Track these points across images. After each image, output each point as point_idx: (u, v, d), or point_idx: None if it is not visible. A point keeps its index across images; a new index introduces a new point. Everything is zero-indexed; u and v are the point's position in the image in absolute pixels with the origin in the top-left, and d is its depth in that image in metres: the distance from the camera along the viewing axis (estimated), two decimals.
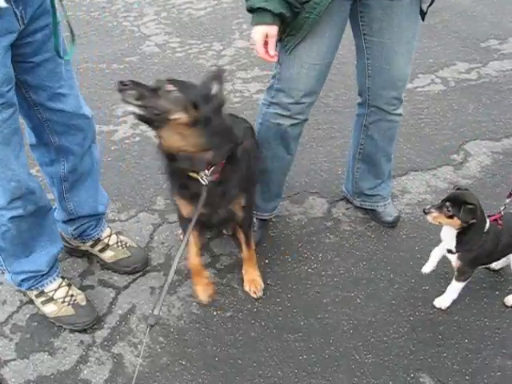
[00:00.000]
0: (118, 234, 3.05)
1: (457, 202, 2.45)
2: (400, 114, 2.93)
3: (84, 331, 2.71)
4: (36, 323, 2.76)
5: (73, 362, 2.59)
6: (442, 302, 2.77)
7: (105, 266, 3.02)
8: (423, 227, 3.14)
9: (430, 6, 2.57)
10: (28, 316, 2.79)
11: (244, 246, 2.84)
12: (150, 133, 3.99)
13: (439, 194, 3.35)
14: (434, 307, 2.76)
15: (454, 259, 2.67)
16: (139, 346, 2.65)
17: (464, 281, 2.70)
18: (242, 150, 2.41)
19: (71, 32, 2.34)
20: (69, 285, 2.80)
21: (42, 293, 2.73)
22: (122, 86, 2.10)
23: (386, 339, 2.64)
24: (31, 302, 2.81)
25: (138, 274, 2.98)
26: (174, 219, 3.29)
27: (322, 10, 2.35)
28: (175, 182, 2.48)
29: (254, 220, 3.06)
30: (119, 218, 3.34)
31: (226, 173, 2.35)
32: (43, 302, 2.74)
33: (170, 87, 2.17)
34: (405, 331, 2.67)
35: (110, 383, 2.50)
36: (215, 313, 2.79)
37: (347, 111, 4.05)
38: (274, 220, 3.27)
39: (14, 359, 2.60)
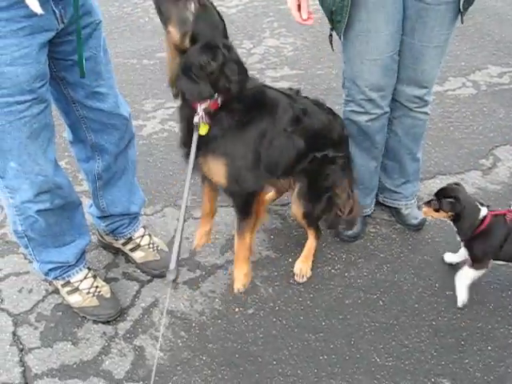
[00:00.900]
0: (151, 235, 3.07)
1: (440, 196, 2.66)
2: (425, 113, 2.91)
3: (107, 323, 2.74)
4: (61, 313, 2.80)
5: (95, 353, 2.63)
6: (459, 296, 2.77)
7: (134, 265, 3.05)
8: (449, 231, 3.10)
9: (468, 6, 2.54)
10: (53, 305, 2.84)
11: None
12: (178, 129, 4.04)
13: None
14: (458, 313, 2.73)
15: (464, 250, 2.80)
16: (161, 340, 2.67)
17: (476, 269, 2.72)
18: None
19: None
20: (94, 276, 2.84)
21: (67, 283, 2.78)
22: None
23: (408, 343, 2.62)
24: (57, 291, 2.86)
25: None
26: (199, 215, 3.31)
27: None
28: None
29: None
30: (145, 212, 3.37)
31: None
32: (68, 292, 2.78)
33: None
34: (427, 336, 2.65)
35: (131, 375, 2.53)
36: (237, 309, 2.80)
37: None
38: None
39: (38, 347, 2.65)
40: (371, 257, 3.06)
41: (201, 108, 2.26)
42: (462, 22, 2.62)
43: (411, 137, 3.00)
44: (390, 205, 3.24)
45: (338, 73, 3.72)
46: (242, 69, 2.32)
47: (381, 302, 2.81)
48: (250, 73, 4.66)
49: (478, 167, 3.65)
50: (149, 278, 2.98)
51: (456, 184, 2.75)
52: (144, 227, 3.09)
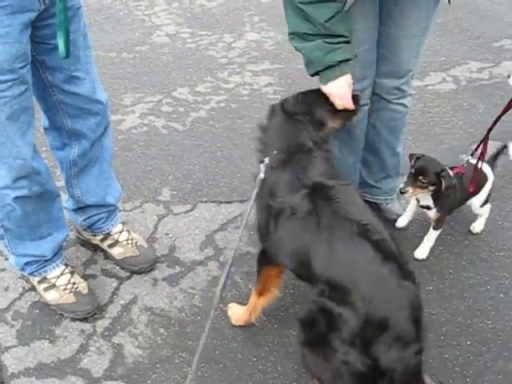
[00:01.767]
0: (130, 231, 3.03)
1: (428, 173, 2.70)
2: (404, 105, 2.91)
3: (85, 320, 2.71)
4: (38, 311, 2.76)
5: (73, 351, 2.59)
6: (421, 253, 2.97)
7: (113, 262, 3.01)
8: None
9: None
10: (30, 303, 2.80)
11: None
12: (158, 123, 4.04)
13: None
14: (438, 308, 2.74)
15: (432, 213, 2.91)
16: (140, 337, 2.65)
17: (441, 228, 2.94)
18: None
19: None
20: (71, 272, 2.80)
21: (44, 279, 2.74)
22: None
23: None
24: (33, 289, 2.81)
25: None
26: (179, 210, 3.30)
27: None
28: None
29: None
30: (124, 208, 3.33)
31: None
32: (45, 289, 2.74)
33: None
34: None
35: (110, 373, 2.50)
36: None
37: None
38: None
39: (15, 346, 2.61)
40: None
41: None
42: (450, 2, 2.57)
43: (390, 130, 2.99)
44: (370, 199, 3.24)
45: None
46: None
47: None
48: (230, 67, 4.66)
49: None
50: (128, 274, 2.95)
51: (422, 155, 2.81)
52: (123, 223, 3.06)
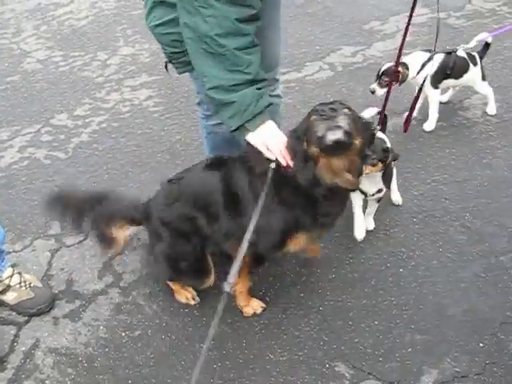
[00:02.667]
0: (21, 273, 2.88)
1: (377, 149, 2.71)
2: (278, 96, 2.93)
3: None
4: None
5: None
6: (369, 224, 3.10)
7: (8, 308, 2.85)
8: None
9: None
10: None
11: None
12: (39, 154, 3.87)
13: None
14: (343, 294, 2.78)
15: (380, 195, 2.98)
16: (47, 382, 2.52)
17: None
18: None
19: None
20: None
21: None
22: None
23: (299, 333, 2.63)
24: None
25: None
26: (72, 242, 3.18)
27: None
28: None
29: None
30: (14, 248, 3.17)
31: None
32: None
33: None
34: (316, 323, 2.67)
35: None
36: (123, 334, 2.70)
37: None
38: None
39: None
40: None
41: None
42: None
43: None
44: None
45: None
46: None
47: (267, 298, 2.79)
48: (108, 85, 4.54)
49: None
50: (26, 318, 2.81)
51: None
52: (13, 265, 2.91)
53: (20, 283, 2.84)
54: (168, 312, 2.76)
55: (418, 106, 3.67)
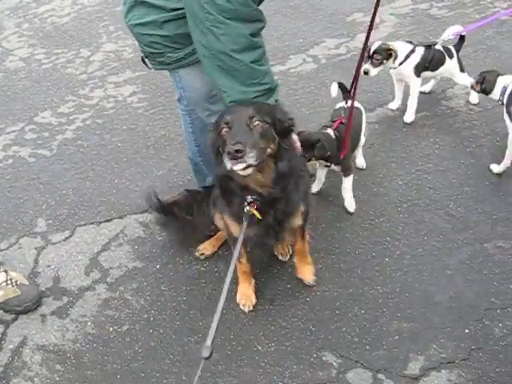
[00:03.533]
0: (7, 271, 2.86)
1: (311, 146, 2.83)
2: None
3: None
4: None
5: None
6: (349, 205, 3.16)
7: None
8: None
9: None
10: None
11: (299, 239, 2.74)
12: (23, 152, 3.85)
13: None
14: (329, 284, 2.79)
15: (335, 168, 3.09)
16: (36, 379, 2.52)
17: (351, 173, 3.12)
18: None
19: None
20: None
21: None
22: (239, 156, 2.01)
23: (286, 324, 2.64)
24: None
25: None
26: (58, 239, 3.17)
27: None
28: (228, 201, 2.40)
29: None
30: None
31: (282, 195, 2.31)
32: None
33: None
34: (303, 313, 2.68)
35: None
36: (111, 329, 2.69)
37: None
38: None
39: None
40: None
41: None
42: None
43: None
44: None
45: None
46: None
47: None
48: (92, 82, 4.53)
49: None
50: (13, 316, 2.80)
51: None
52: None
53: (6, 281, 2.82)
54: (155, 306, 2.77)
55: (398, 99, 3.85)
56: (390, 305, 2.69)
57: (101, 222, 3.25)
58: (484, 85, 3.29)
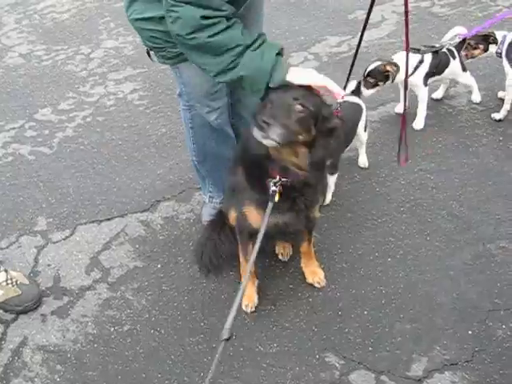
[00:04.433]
0: (8, 271, 2.84)
1: None
2: None
3: None
4: None
5: None
6: (327, 198, 3.16)
7: None
8: None
9: None
10: None
11: (305, 241, 2.74)
12: (23, 150, 3.83)
13: None
14: (332, 284, 2.77)
15: None
16: (36, 379, 2.50)
17: (336, 172, 3.10)
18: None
19: None
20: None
21: None
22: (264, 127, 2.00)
23: (288, 325, 2.63)
24: None
25: None
26: (59, 238, 3.15)
27: None
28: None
29: None
30: None
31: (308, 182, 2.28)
32: None
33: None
34: (305, 314, 2.67)
35: None
36: (112, 329, 2.68)
37: None
38: (161, 222, 3.18)
39: None
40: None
41: None
42: None
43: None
44: None
45: None
46: None
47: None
48: (92, 79, 4.51)
49: None
50: (13, 316, 2.78)
51: None
52: None
53: (6, 280, 2.80)
54: (157, 306, 2.75)
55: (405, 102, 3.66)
56: (392, 305, 2.67)
57: (101, 221, 3.23)
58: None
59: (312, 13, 5.21)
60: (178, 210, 3.26)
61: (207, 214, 3.04)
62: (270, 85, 2.12)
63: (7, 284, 2.80)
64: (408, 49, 2.77)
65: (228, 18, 2.10)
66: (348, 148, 3.20)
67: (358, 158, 3.42)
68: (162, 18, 2.27)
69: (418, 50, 3.52)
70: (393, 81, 3.40)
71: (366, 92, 3.41)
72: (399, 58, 3.41)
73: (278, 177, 2.20)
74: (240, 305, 1.89)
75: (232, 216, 2.64)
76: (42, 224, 3.25)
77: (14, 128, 4.07)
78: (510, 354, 2.42)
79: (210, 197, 3.09)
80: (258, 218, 2.35)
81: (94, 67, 4.69)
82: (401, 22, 4.78)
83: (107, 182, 3.50)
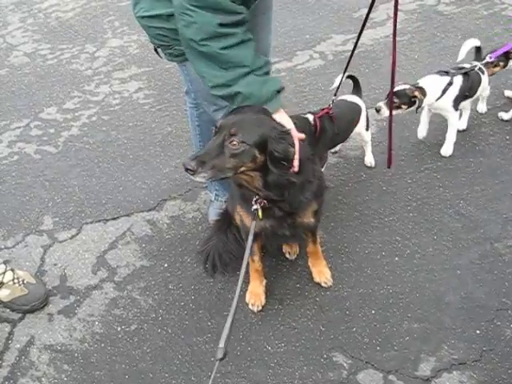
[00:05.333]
0: (14, 270, 2.84)
1: None
2: None
3: None
4: None
5: None
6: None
7: (1, 305, 2.82)
8: None
9: None
10: None
11: (310, 241, 2.72)
12: (29, 149, 3.82)
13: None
14: (339, 284, 2.77)
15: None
16: (44, 379, 2.50)
17: (323, 166, 3.11)
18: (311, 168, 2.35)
19: None
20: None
21: None
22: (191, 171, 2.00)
23: (295, 324, 2.62)
24: None
25: None
26: (65, 237, 3.15)
27: None
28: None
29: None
30: (5, 245, 3.14)
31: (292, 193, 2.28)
32: None
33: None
34: (313, 313, 2.66)
35: None
36: (119, 328, 2.67)
37: None
38: (167, 221, 3.18)
39: None
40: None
41: None
42: None
43: None
44: None
45: None
46: None
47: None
48: (97, 78, 4.50)
49: None
50: (20, 315, 2.78)
51: None
52: (5, 262, 2.88)
53: (13, 280, 2.80)
54: (164, 306, 2.75)
55: (424, 128, 3.54)
56: (400, 305, 2.66)
57: (107, 220, 3.23)
58: None
59: (317, 11, 5.20)
60: (185, 209, 3.26)
61: (214, 213, 3.03)
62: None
63: (14, 283, 2.79)
64: (395, 64, 2.79)
65: (244, 32, 2.11)
66: (342, 146, 3.20)
67: (364, 157, 3.41)
68: (170, 15, 2.27)
69: (446, 73, 3.35)
70: (418, 108, 3.23)
71: (386, 112, 3.17)
72: (426, 83, 3.28)
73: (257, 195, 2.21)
74: (233, 320, 1.87)
75: (236, 216, 2.64)
76: (48, 223, 3.25)
77: (19, 127, 4.06)
78: None
79: (216, 195, 3.09)
80: (248, 222, 2.37)
81: (99, 66, 4.69)
82: (406, 21, 4.78)
83: (113, 181, 3.49)
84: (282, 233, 2.47)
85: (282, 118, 2.21)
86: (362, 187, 3.26)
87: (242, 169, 2.08)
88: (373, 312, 2.65)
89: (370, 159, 3.41)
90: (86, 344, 2.63)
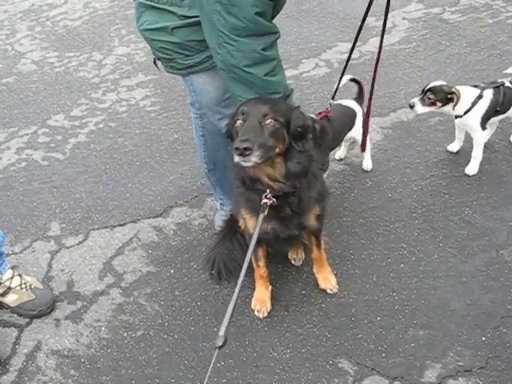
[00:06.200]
0: (22, 275, 2.87)
1: None
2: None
3: None
4: None
5: None
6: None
7: (8, 310, 2.84)
8: None
9: None
10: None
11: (314, 248, 2.74)
12: (37, 156, 3.85)
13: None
14: (345, 290, 2.78)
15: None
16: None
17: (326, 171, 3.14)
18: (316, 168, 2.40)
19: None
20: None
21: None
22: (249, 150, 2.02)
23: (301, 331, 2.63)
24: None
25: None
26: (72, 243, 3.17)
27: None
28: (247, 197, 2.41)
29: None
30: (13, 250, 3.16)
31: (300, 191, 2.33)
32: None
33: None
34: (318, 320, 2.67)
35: None
36: (126, 334, 2.69)
37: None
38: (174, 228, 3.19)
39: None
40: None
41: None
42: None
43: None
44: None
45: None
46: None
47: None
48: (104, 85, 4.54)
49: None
50: (27, 320, 2.80)
51: None
52: (13, 267, 2.90)
53: (21, 285, 2.82)
54: (170, 311, 2.76)
55: (458, 145, 3.50)
56: (405, 312, 2.67)
57: (114, 226, 3.24)
58: None
59: (323, 19, 5.23)
60: (191, 216, 3.27)
61: (219, 220, 3.05)
62: None
63: (21, 288, 2.82)
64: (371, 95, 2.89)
65: (278, 53, 2.26)
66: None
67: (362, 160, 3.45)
68: (174, 28, 2.30)
69: (475, 86, 3.26)
70: (454, 106, 3.13)
71: (420, 109, 3.16)
72: (463, 89, 3.17)
73: (267, 191, 2.23)
74: (234, 310, 1.90)
75: (241, 222, 2.65)
76: (56, 229, 3.27)
77: (27, 134, 4.10)
78: None
79: (221, 204, 3.11)
80: (252, 226, 2.41)
81: (106, 74, 4.72)
82: (411, 29, 4.79)
83: (120, 187, 3.52)
84: (283, 235, 2.49)
85: None
86: (367, 194, 3.27)
87: (276, 150, 2.14)
88: (378, 319, 2.65)
89: (367, 163, 3.44)
90: (92, 349, 2.64)
